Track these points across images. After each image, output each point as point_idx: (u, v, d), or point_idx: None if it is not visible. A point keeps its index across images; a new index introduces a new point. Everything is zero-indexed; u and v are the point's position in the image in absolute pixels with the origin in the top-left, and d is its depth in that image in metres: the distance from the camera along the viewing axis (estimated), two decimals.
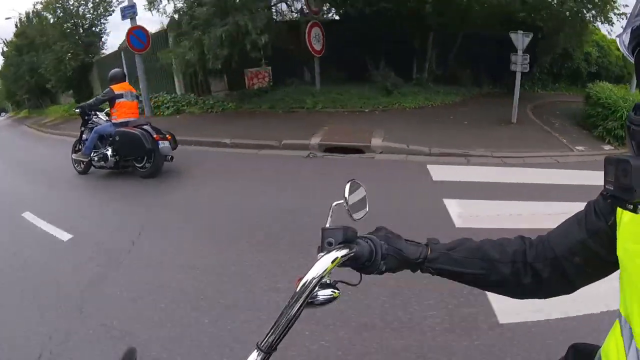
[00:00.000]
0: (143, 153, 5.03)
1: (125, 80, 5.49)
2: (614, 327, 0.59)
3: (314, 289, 0.62)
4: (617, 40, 0.54)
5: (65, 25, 15.11)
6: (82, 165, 5.65)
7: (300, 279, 0.62)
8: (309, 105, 8.60)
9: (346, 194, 0.74)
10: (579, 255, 0.66)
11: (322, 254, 0.65)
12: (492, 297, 2.17)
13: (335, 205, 0.74)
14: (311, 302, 0.63)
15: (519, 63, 7.02)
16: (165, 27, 10.31)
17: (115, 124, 5.26)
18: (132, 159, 5.15)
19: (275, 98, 9.32)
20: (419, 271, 0.76)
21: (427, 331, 2.04)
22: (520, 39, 6.94)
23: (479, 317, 2.11)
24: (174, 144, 5.17)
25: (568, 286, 0.70)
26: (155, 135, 4.97)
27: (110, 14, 16.08)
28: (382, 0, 8.74)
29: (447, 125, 7.25)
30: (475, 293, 2.19)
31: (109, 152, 5.17)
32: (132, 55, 9.65)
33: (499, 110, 8.11)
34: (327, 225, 0.71)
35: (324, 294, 0.65)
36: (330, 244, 0.68)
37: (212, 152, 6.52)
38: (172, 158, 5.18)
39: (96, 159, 5.34)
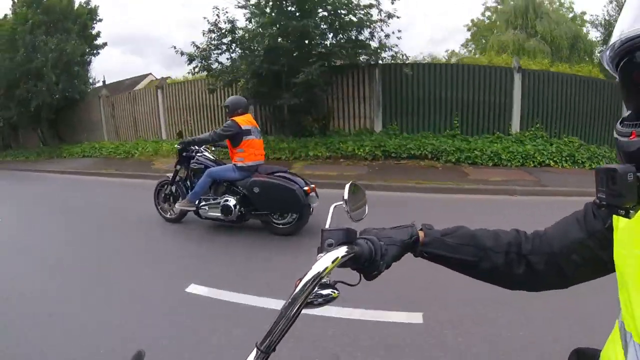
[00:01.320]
0: (296, 210, 4.03)
1: (249, 111, 4.34)
2: (614, 331, 0.59)
3: (314, 289, 0.61)
4: (601, 56, 0.56)
5: None
6: (176, 212, 4.63)
7: (300, 280, 0.62)
8: None
9: (345, 196, 0.74)
10: (577, 253, 0.67)
11: (322, 254, 0.65)
12: None
13: (335, 206, 0.75)
14: (310, 302, 0.63)
15: None
16: None
17: (241, 169, 4.15)
18: (268, 212, 4.14)
19: None
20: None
21: None
22: None
23: None
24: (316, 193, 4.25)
25: (562, 281, 0.71)
26: (307, 188, 3.97)
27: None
28: None
29: None
30: None
31: (232, 203, 4.12)
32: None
33: None
34: (327, 227, 0.71)
35: (323, 294, 0.65)
36: (330, 244, 0.68)
37: None
38: (312, 210, 4.21)
39: (207, 208, 4.26)
